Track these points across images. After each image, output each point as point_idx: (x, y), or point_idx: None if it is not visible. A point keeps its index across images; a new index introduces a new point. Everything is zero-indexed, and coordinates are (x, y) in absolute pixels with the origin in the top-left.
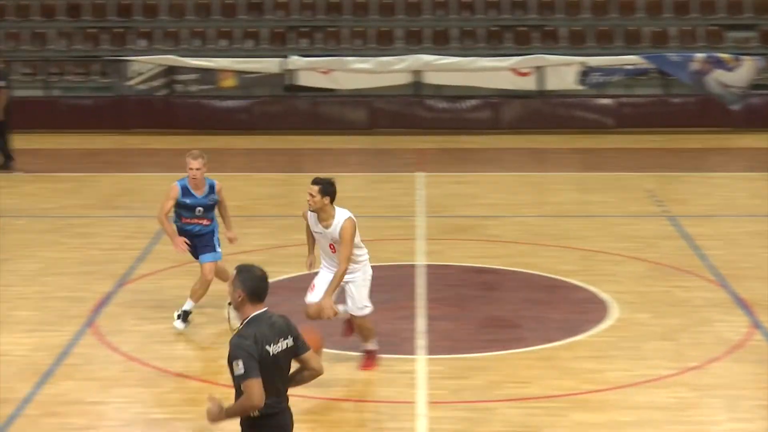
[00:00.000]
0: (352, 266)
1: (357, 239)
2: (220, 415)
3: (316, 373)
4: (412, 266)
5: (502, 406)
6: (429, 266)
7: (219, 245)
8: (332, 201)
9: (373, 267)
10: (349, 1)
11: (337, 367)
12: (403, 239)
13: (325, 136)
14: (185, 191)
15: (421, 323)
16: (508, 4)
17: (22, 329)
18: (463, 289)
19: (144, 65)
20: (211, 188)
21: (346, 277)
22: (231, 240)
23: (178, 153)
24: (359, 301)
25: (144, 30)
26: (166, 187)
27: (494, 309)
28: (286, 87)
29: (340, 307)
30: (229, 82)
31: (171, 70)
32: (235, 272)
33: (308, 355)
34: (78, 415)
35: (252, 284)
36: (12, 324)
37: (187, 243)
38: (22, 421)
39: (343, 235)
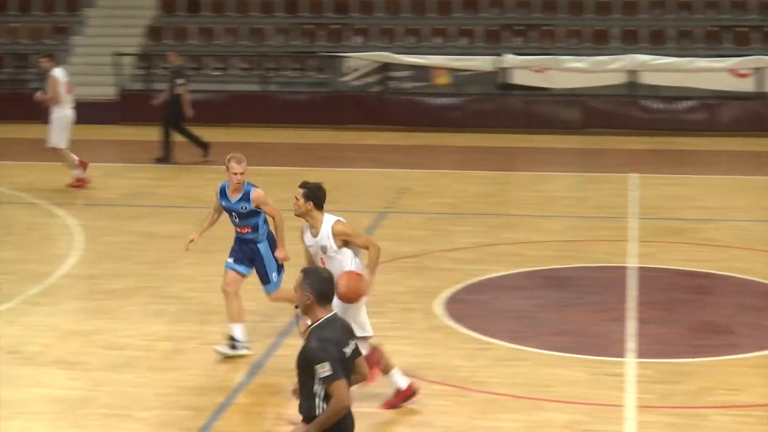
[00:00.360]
0: None
1: (350, 255)
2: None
3: (362, 378)
4: (624, 268)
5: (713, 413)
6: (641, 268)
7: (275, 271)
8: (318, 207)
9: (583, 267)
10: (564, 0)
11: (546, 368)
12: (615, 240)
13: (537, 135)
14: (222, 193)
15: (631, 326)
16: (728, 3)
17: None
18: (675, 292)
19: (359, 61)
20: (245, 195)
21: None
22: (279, 259)
23: (391, 149)
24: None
25: (360, 27)
26: (376, 182)
27: (707, 314)
28: (500, 85)
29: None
30: (442, 79)
31: (385, 67)
32: (301, 276)
33: (361, 359)
34: (287, 406)
35: (320, 286)
36: (224, 314)
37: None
38: (232, 410)
39: (345, 234)
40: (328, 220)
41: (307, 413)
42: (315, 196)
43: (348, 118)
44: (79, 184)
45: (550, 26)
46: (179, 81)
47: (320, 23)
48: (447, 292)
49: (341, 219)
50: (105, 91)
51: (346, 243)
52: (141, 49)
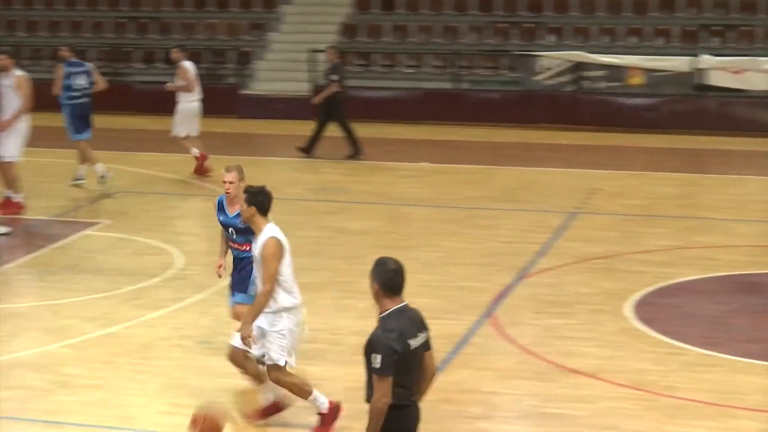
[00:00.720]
0: (274, 308)
1: (286, 274)
2: None
3: (432, 374)
4: None
5: None
6: None
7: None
8: (261, 212)
9: None
10: (764, 0)
11: (738, 375)
12: None
13: (732, 137)
14: (220, 207)
15: None
16: None
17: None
18: None
19: (552, 60)
20: None
21: (267, 323)
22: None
23: (582, 149)
24: (270, 351)
25: (554, 26)
26: (567, 182)
27: None
28: (696, 86)
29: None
30: (637, 79)
31: (579, 66)
32: (372, 265)
33: (430, 353)
34: (474, 403)
35: (384, 277)
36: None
37: (222, 268)
38: None
39: (264, 253)
40: (267, 231)
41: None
42: (257, 200)
43: (540, 117)
44: (203, 172)
45: (748, 26)
46: (333, 77)
47: (514, 22)
48: (637, 295)
49: (277, 237)
50: (299, 86)
51: (262, 260)
52: (336, 45)
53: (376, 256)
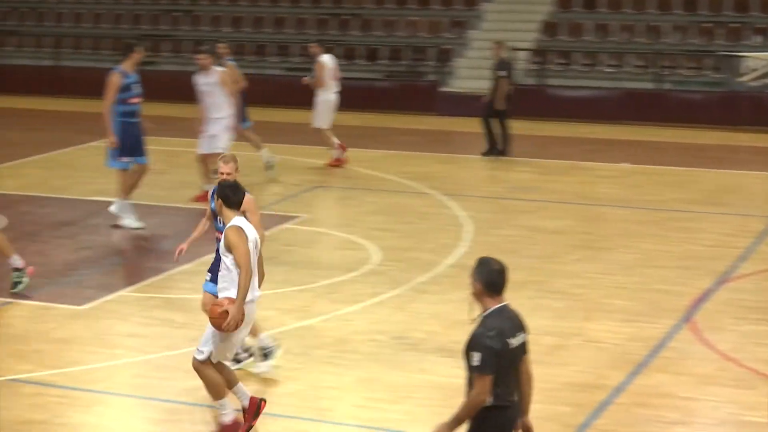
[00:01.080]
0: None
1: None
2: (449, 427)
3: (530, 378)
4: None
5: None
6: None
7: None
8: (227, 205)
9: None
10: None
11: None
12: None
13: None
14: (213, 195)
15: None
16: None
17: (618, 318)
18: None
19: (758, 61)
20: None
21: None
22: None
23: None
24: (202, 340)
25: (760, 26)
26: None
27: None
28: None
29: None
30: None
31: None
32: (474, 264)
33: (526, 357)
34: (669, 408)
35: (488, 277)
36: (607, 312)
37: (181, 252)
38: (613, 409)
39: (229, 243)
40: (231, 222)
41: None
42: (223, 194)
43: (744, 119)
44: (338, 164)
45: None
46: (501, 73)
47: (719, 21)
48: None
49: (240, 225)
50: None
51: (230, 250)
52: (536, 44)
53: (573, 257)
